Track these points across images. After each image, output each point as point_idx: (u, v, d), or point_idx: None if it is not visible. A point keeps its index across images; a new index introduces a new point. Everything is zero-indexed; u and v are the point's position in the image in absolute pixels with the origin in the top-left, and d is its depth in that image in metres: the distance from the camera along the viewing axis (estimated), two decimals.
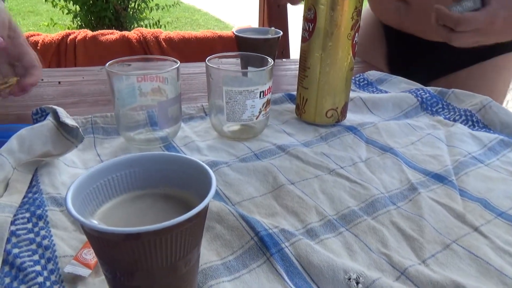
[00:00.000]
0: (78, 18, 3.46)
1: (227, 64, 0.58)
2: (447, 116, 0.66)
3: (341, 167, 0.50)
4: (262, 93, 0.53)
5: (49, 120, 0.48)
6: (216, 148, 0.54)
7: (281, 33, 0.75)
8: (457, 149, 0.55)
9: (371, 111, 0.67)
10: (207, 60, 0.54)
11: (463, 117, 0.64)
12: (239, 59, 0.61)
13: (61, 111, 0.50)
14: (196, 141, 0.55)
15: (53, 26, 3.64)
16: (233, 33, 0.75)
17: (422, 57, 0.87)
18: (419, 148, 0.56)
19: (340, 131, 0.59)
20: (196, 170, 0.29)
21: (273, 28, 0.75)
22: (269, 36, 0.74)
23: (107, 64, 0.50)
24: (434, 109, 0.67)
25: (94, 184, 0.28)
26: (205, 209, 0.26)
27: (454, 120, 0.64)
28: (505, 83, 0.86)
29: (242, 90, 0.52)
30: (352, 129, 0.59)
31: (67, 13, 3.46)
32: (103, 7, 3.26)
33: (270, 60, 0.55)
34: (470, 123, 0.63)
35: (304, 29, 0.58)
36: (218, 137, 0.57)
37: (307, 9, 0.56)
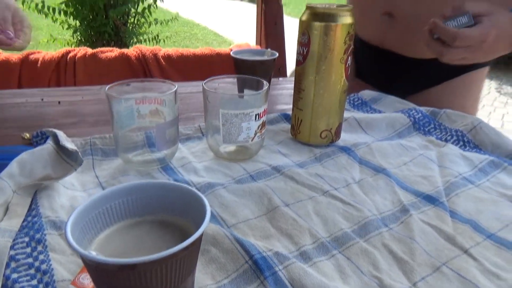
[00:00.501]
0: (78, 33, 3.49)
1: (224, 83, 0.60)
2: (439, 136, 0.67)
3: (335, 189, 0.51)
4: (257, 116, 0.55)
5: (49, 144, 0.49)
6: (212, 169, 0.55)
7: (277, 54, 0.77)
8: (448, 170, 0.56)
9: (365, 131, 0.68)
10: (204, 84, 0.56)
11: (455, 137, 0.66)
12: (236, 80, 0.62)
13: (60, 135, 0.51)
14: (193, 162, 0.56)
15: (53, 42, 3.66)
16: (231, 54, 0.77)
17: (398, 74, 0.87)
18: (411, 169, 0.57)
19: (334, 151, 0.60)
20: (192, 198, 0.30)
21: (269, 49, 0.77)
22: (266, 57, 0.76)
23: (107, 87, 0.52)
24: (426, 129, 0.69)
25: (93, 212, 0.29)
26: (200, 238, 0.27)
27: (446, 140, 0.65)
28: (475, 98, 0.87)
29: (238, 113, 0.53)
30: (346, 149, 0.61)
31: (67, 28, 3.49)
32: (103, 22, 3.29)
33: (265, 83, 0.56)
34: (461, 143, 0.65)
35: (298, 53, 0.59)
36: (214, 158, 0.58)
37: (301, 34, 0.58)
